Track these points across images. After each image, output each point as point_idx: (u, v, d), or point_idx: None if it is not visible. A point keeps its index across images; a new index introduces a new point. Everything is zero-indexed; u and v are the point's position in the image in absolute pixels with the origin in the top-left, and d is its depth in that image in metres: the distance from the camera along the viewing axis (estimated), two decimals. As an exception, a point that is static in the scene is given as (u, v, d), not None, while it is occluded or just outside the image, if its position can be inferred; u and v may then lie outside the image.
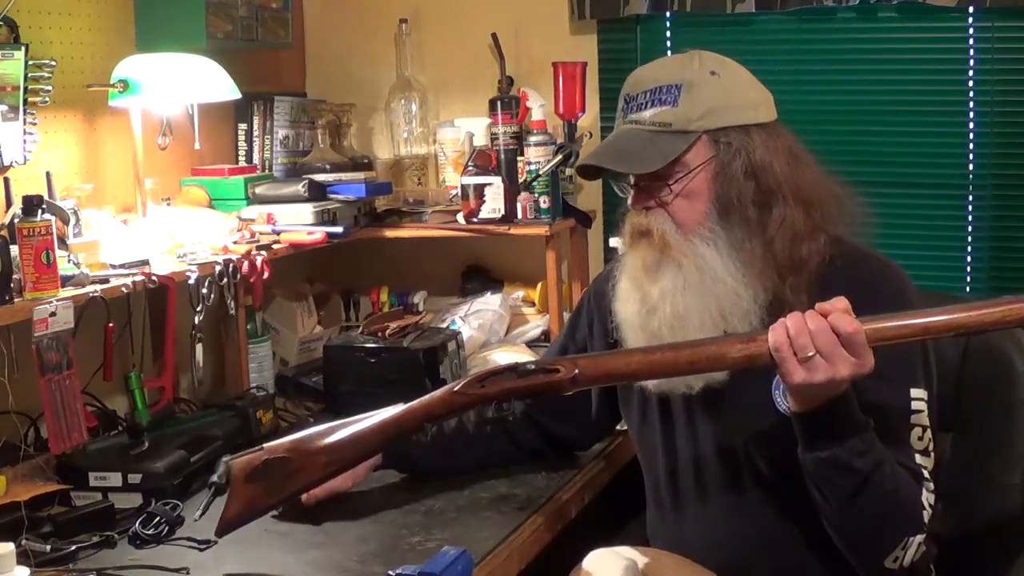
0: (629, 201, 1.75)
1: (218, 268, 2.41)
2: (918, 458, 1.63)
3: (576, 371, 1.63)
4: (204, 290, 2.38)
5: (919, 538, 1.59)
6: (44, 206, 2.04)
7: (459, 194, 2.90)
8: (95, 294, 2.11)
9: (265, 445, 1.78)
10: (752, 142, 1.70)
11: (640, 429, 1.90)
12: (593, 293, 1.98)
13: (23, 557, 1.68)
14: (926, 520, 1.60)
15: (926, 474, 1.63)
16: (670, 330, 1.67)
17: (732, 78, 1.74)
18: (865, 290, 1.59)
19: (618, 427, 2.32)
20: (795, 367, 1.49)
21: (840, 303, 1.50)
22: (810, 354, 1.48)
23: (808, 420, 1.56)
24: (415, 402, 1.72)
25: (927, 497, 1.61)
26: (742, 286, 1.67)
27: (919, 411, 1.65)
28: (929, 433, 1.65)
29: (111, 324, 2.19)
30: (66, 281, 2.07)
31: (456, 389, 1.70)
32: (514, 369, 1.69)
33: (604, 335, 1.90)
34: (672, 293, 1.68)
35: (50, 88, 2.24)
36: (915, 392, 1.65)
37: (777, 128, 1.75)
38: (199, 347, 2.40)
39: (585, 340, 1.98)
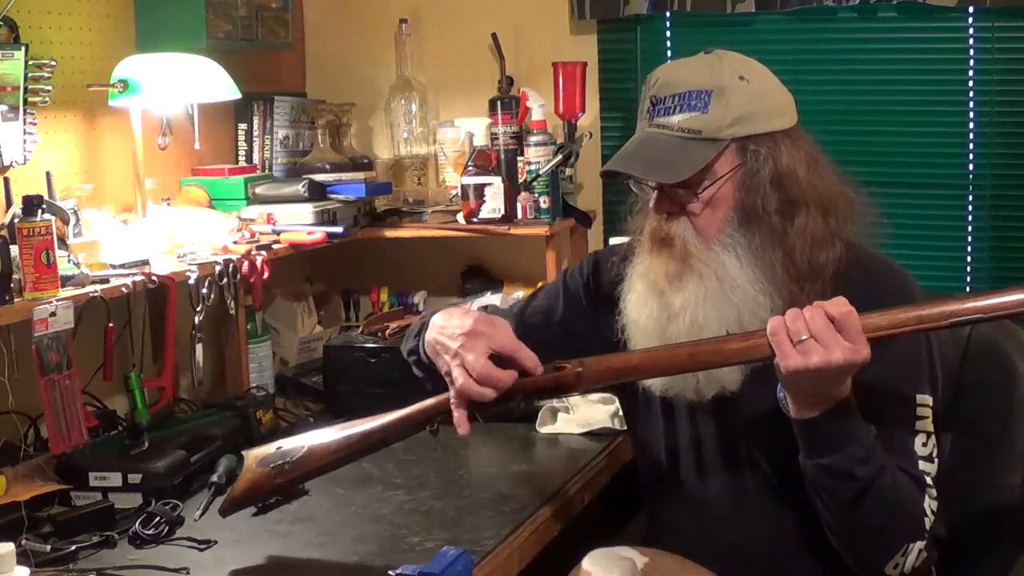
0: (651, 205, 1.74)
1: (218, 268, 2.41)
2: (921, 464, 1.63)
3: (581, 368, 1.63)
4: (204, 290, 2.38)
5: (920, 544, 1.59)
6: (44, 206, 2.04)
7: (459, 194, 2.90)
8: (95, 294, 2.10)
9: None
10: (779, 150, 1.68)
11: (642, 427, 1.89)
12: (592, 265, 1.94)
13: (23, 557, 1.68)
14: (927, 527, 1.60)
15: (929, 480, 1.63)
16: (687, 339, 1.65)
17: (760, 83, 1.72)
18: (873, 297, 1.58)
19: (620, 427, 2.33)
20: (790, 349, 1.49)
21: (838, 300, 1.51)
22: (804, 337, 1.48)
23: (809, 426, 1.56)
24: (424, 401, 1.73)
25: (929, 504, 1.61)
26: (761, 294, 1.66)
27: (924, 417, 1.65)
28: (933, 439, 1.65)
29: (111, 324, 2.19)
30: (66, 281, 2.07)
31: None
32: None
33: (599, 301, 1.87)
34: (694, 304, 1.67)
35: (50, 88, 2.24)
36: (920, 398, 1.65)
37: (799, 132, 1.73)
38: (199, 347, 2.40)
39: (578, 295, 1.93)
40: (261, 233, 2.62)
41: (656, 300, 1.71)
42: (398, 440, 1.78)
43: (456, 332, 1.66)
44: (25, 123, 2.19)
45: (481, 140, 3.04)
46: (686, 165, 1.66)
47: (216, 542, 1.85)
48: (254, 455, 1.79)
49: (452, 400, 1.65)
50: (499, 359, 1.63)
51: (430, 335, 1.72)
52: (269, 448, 1.78)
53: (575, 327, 1.91)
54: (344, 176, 2.95)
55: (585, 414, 2.40)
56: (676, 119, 1.69)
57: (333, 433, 1.76)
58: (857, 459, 1.54)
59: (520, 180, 2.85)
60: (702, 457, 1.79)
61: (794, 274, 1.67)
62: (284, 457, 1.75)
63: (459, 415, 1.65)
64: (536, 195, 2.83)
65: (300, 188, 2.76)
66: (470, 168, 2.85)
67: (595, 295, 1.91)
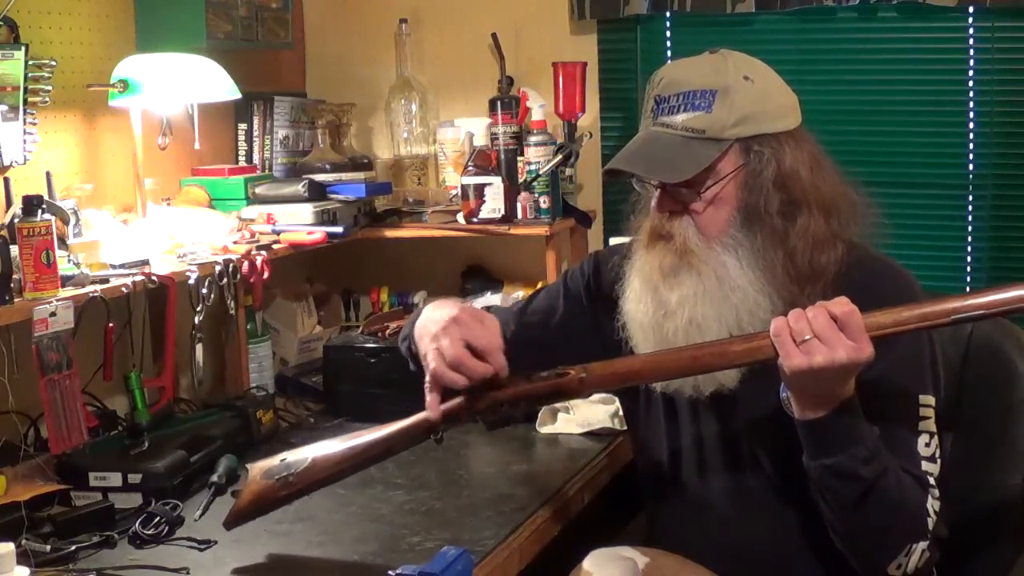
0: (653, 203, 1.73)
1: (218, 268, 2.41)
2: (924, 464, 1.63)
3: (584, 374, 1.63)
4: (204, 290, 2.38)
5: (923, 544, 1.59)
6: (44, 206, 2.04)
7: (459, 194, 2.90)
8: (95, 294, 2.10)
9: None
10: (782, 150, 1.68)
11: (643, 427, 1.89)
12: (593, 265, 1.95)
13: (23, 557, 1.68)
14: (930, 527, 1.60)
15: (932, 481, 1.63)
16: (685, 336, 1.66)
17: (765, 83, 1.72)
18: (874, 297, 1.57)
19: (620, 427, 2.33)
20: (793, 350, 1.49)
21: (840, 299, 1.51)
22: (807, 337, 1.49)
23: (813, 427, 1.56)
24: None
25: (932, 504, 1.61)
26: (761, 295, 1.66)
27: (927, 417, 1.65)
28: (936, 440, 1.65)
29: (111, 324, 2.19)
30: (66, 281, 2.07)
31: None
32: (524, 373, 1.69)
33: (600, 301, 1.88)
34: (691, 301, 1.66)
35: (50, 88, 2.24)
36: (923, 398, 1.65)
37: (802, 133, 1.73)
38: (199, 347, 2.40)
39: (579, 295, 1.93)
40: (261, 233, 2.62)
41: (651, 296, 1.71)
42: (403, 449, 1.77)
43: (440, 318, 1.67)
44: (25, 123, 2.19)
45: (481, 140, 3.04)
46: (689, 164, 1.66)
47: (216, 542, 1.85)
48: (258, 467, 1.78)
49: (426, 383, 1.66)
50: (478, 355, 1.64)
51: (420, 321, 1.74)
52: (273, 460, 1.77)
53: (575, 327, 1.91)
54: (344, 176, 2.95)
55: (585, 414, 2.40)
56: (680, 118, 1.68)
57: (337, 444, 1.75)
58: (861, 459, 1.54)
59: (520, 180, 2.85)
60: (704, 457, 1.79)
61: (794, 275, 1.67)
62: (288, 469, 1.74)
63: (430, 398, 1.66)
64: (536, 195, 2.83)
65: (300, 188, 2.76)
66: (470, 168, 2.85)
67: (596, 295, 1.91)
